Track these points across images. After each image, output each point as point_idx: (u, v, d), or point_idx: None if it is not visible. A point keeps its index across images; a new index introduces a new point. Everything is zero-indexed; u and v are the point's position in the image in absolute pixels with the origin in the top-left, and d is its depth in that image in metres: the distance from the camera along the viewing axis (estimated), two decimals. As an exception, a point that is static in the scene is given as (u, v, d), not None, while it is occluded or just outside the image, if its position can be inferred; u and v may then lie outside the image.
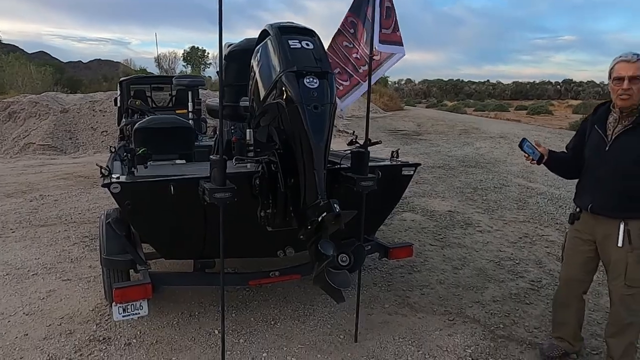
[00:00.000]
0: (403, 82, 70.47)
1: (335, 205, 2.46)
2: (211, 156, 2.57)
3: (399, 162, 3.57)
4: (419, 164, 3.63)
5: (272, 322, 3.42)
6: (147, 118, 4.90)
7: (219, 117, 2.75)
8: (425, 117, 23.53)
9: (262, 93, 2.81)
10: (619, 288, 2.69)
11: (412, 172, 3.48)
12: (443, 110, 34.25)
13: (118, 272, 3.27)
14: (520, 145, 2.87)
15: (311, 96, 2.54)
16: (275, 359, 2.99)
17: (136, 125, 4.28)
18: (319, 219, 2.45)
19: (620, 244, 2.61)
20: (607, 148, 2.65)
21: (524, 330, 3.37)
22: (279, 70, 2.64)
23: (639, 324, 2.75)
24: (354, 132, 5.49)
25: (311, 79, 2.57)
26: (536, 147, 2.84)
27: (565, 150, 2.99)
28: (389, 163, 3.60)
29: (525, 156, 2.86)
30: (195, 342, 3.16)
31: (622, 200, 2.61)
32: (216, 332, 3.23)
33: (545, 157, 2.85)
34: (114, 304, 2.84)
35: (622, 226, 2.61)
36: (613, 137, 2.65)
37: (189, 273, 3.26)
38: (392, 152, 3.75)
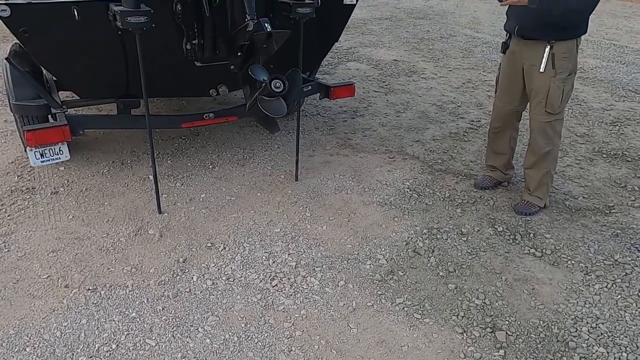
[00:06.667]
0: None
1: (266, 24, 2.19)
2: None
3: None
4: None
5: (210, 167, 3.30)
6: None
7: None
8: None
9: None
10: (539, 116, 2.73)
11: (354, 1, 3.17)
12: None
13: (33, 119, 2.95)
14: None
15: None
16: (214, 200, 2.94)
17: None
18: (249, 42, 2.19)
19: (542, 70, 2.60)
20: None
21: (461, 164, 3.47)
22: None
23: (555, 153, 2.86)
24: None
25: None
26: None
27: None
28: None
29: None
30: (129, 188, 3.02)
31: (547, 22, 2.51)
32: (150, 177, 3.09)
33: None
34: (28, 148, 2.59)
35: (547, 50, 2.57)
36: None
37: (112, 115, 2.99)
38: None
